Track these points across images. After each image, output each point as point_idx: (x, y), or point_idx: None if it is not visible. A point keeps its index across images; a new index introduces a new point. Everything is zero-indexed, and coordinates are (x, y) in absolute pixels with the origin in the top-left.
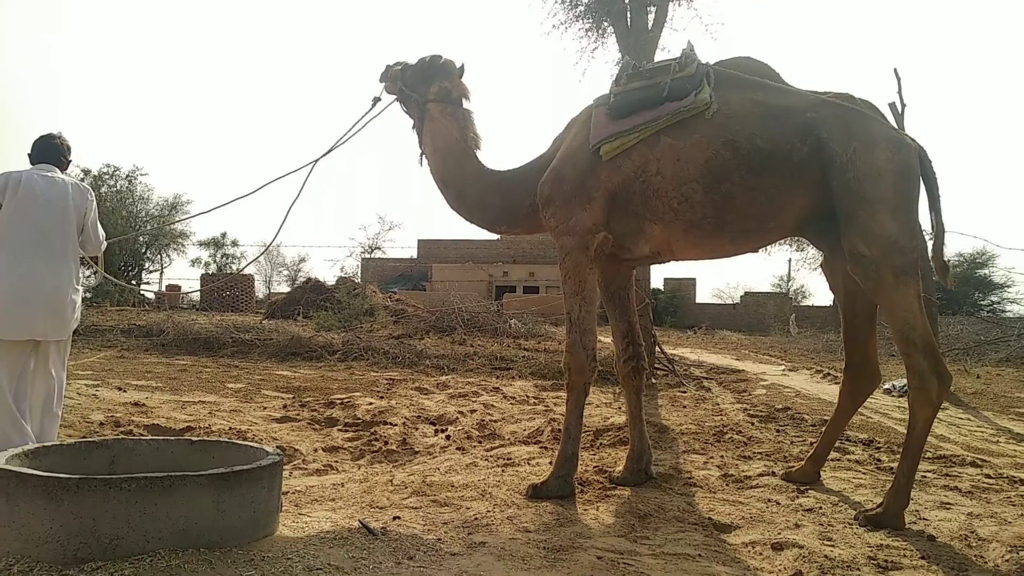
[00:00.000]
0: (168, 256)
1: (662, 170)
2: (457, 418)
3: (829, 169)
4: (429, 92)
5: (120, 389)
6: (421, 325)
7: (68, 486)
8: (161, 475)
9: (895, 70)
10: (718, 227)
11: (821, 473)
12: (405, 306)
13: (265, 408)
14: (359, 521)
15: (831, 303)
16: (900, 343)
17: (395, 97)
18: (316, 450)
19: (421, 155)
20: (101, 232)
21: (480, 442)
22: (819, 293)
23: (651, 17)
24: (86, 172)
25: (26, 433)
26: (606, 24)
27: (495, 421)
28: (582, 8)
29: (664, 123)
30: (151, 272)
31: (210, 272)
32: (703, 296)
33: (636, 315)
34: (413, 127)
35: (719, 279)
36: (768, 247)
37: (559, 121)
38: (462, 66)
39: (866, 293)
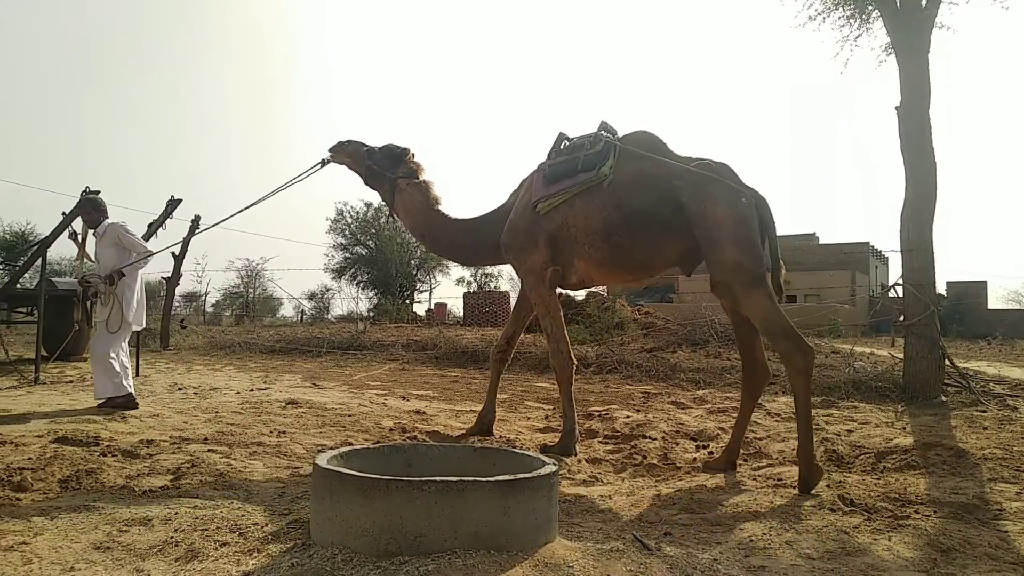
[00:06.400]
0: (435, 277)
1: (576, 224)
2: (718, 434)
3: (691, 223)
4: (398, 172)
5: (404, 398)
6: (672, 338)
7: (380, 485)
8: (456, 479)
9: None
10: (616, 265)
11: None
12: (653, 319)
13: (529, 418)
14: (633, 535)
15: None
16: (766, 335)
17: (339, 162)
18: (580, 461)
19: (391, 215)
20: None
21: (745, 460)
22: None
23: None
24: (368, 204)
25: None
26: (870, 8)
27: (760, 439)
28: None
29: (578, 189)
30: (421, 292)
31: (471, 290)
32: (995, 301)
33: (523, 330)
34: (382, 198)
35: (1016, 279)
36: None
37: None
38: (413, 153)
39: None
